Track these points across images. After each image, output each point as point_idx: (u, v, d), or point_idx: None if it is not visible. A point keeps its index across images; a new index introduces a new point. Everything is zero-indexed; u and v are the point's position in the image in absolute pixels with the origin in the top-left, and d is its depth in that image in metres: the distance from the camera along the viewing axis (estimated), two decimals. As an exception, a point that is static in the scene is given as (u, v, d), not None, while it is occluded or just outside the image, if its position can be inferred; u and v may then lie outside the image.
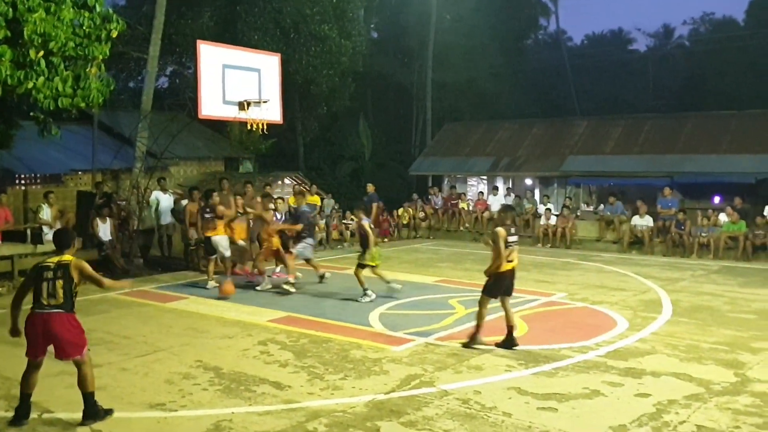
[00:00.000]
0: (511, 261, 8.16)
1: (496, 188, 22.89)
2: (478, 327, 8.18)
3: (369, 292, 10.99)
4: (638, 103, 36.60)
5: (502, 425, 5.78)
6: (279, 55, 14.66)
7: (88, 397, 5.86)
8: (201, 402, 6.36)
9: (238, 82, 12.88)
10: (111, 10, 11.79)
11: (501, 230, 8.12)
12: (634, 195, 20.27)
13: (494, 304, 8.38)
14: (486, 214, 21.05)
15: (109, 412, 5.93)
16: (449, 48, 32.81)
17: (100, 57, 11.38)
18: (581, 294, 11.88)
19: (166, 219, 15.61)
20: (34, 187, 17.85)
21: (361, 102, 32.43)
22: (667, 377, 7.06)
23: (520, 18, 39.25)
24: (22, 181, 18.07)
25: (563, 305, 10.97)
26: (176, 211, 15.50)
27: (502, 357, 7.82)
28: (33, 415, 5.94)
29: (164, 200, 15.71)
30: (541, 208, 20.50)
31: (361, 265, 11.13)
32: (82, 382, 5.85)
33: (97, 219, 14.10)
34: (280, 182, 19.08)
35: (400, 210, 21.90)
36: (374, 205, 18.49)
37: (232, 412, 6.07)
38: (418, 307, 10.63)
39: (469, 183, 25.62)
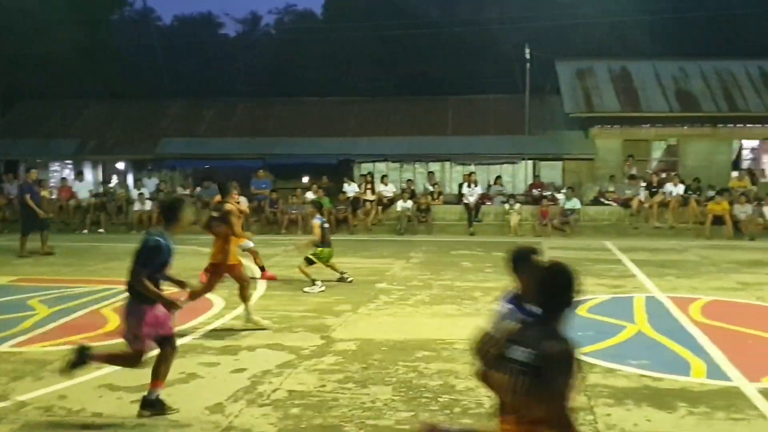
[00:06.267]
0: None
1: (81, 173, 21.18)
2: None
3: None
4: (230, 87, 37.52)
5: (93, 426, 5.29)
6: None
7: None
8: None
9: None
10: None
11: None
12: (230, 177, 20.70)
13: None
14: (72, 202, 19.32)
15: None
16: (17, 16, 29.07)
17: None
18: (181, 277, 11.62)
19: None
20: None
21: None
22: (262, 349, 7.29)
23: (101, -10, 36.83)
24: None
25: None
26: None
27: (91, 354, 7.17)
28: None
29: None
30: (135, 194, 19.63)
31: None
32: None
33: None
34: None
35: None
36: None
37: None
38: (-11, 311, 9.18)
39: (51, 168, 23.22)
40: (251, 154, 22.30)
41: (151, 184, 20.94)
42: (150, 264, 5.32)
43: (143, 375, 6.45)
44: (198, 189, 20.49)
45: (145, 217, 18.80)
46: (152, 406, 5.48)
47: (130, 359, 5.54)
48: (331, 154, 22.50)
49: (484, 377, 3.19)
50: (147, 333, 5.36)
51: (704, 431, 5.12)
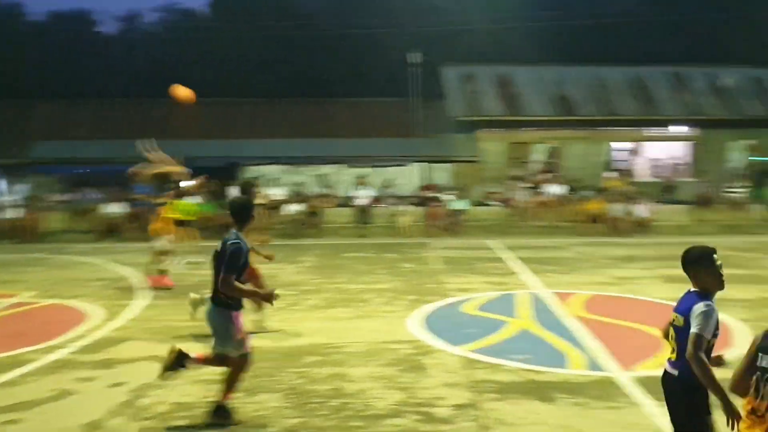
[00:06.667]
0: None
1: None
2: None
3: None
4: (109, 87, 35.73)
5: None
6: None
7: None
8: None
9: None
10: None
11: None
12: (109, 181, 19.79)
13: None
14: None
15: None
16: None
17: None
18: (52, 290, 10.99)
19: None
20: None
21: None
22: (142, 362, 6.95)
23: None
24: None
25: (31, 305, 9.96)
26: None
27: (-50, 375, 6.60)
28: None
29: None
30: (4, 200, 18.39)
31: None
32: None
33: None
34: None
35: None
36: None
37: None
38: None
39: None
40: (132, 157, 21.32)
41: (22, 190, 19.61)
42: (236, 267, 5.18)
43: (17, 392, 6.01)
44: (73, 194, 19.43)
45: (18, 225, 17.64)
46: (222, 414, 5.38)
47: (242, 366, 5.43)
48: (218, 157, 21.95)
49: (737, 385, 3.31)
50: (244, 335, 5.38)
51: (584, 420, 5.33)
